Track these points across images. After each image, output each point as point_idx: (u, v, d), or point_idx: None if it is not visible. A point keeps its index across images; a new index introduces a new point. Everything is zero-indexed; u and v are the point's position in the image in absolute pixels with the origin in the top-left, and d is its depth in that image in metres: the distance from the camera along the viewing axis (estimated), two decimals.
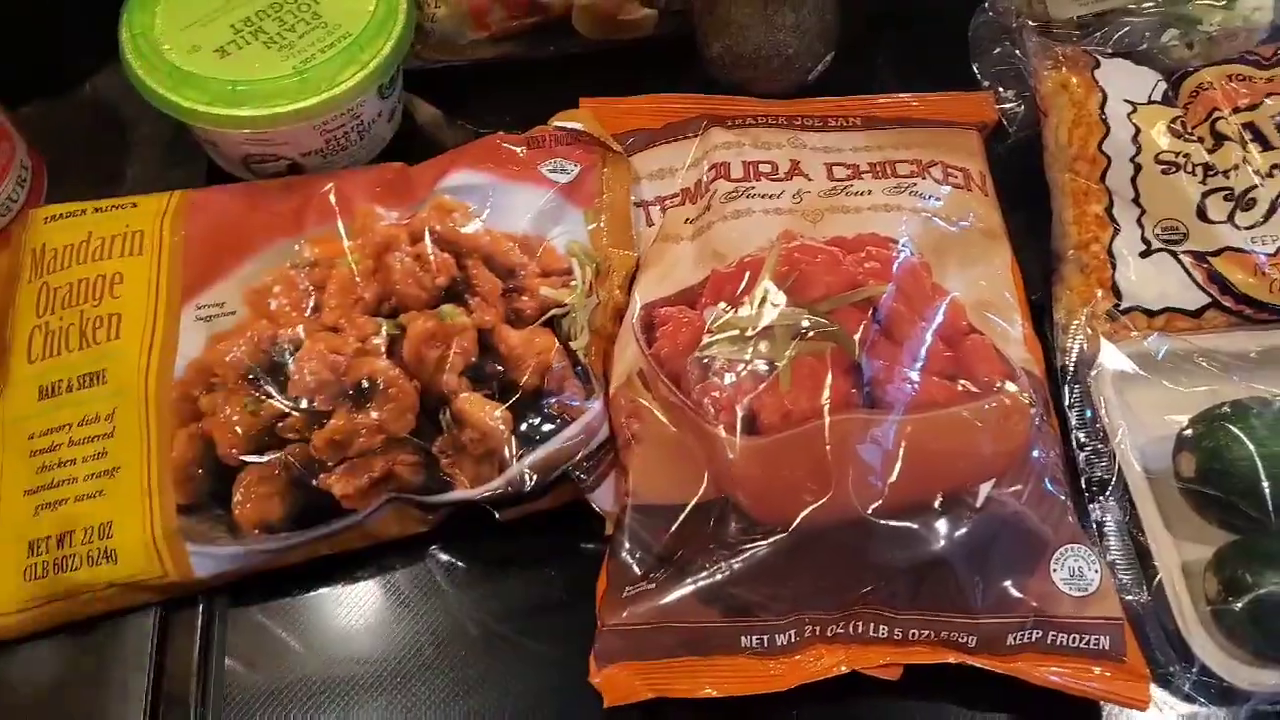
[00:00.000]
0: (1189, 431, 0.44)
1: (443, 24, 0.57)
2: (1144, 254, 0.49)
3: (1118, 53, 0.53)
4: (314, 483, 0.43)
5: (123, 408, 0.45)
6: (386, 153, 0.57)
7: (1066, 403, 0.47)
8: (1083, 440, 0.46)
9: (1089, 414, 0.47)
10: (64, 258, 0.49)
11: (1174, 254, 0.49)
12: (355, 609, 0.45)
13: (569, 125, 0.52)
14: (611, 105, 0.55)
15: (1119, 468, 0.45)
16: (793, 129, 0.53)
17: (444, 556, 0.46)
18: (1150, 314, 0.48)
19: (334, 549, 0.45)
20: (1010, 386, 0.45)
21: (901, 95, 0.56)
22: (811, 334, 0.44)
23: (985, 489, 0.41)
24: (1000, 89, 0.56)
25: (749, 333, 0.45)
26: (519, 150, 0.52)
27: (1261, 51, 0.53)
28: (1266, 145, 0.50)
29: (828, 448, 0.42)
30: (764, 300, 0.46)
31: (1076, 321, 0.49)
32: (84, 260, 0.49)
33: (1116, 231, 0.49)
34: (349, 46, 0.50)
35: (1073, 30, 0.55)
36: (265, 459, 0.43)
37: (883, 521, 0.41)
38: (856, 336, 0.44)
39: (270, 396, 0.45)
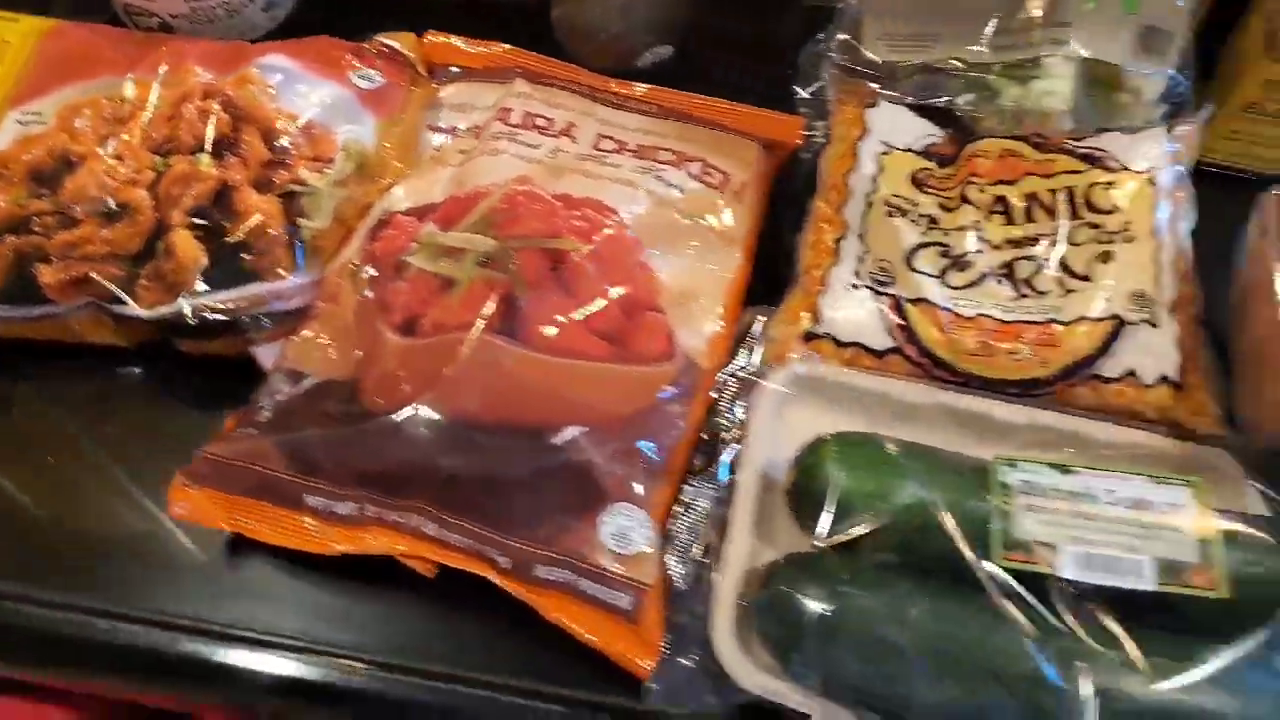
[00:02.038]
0: (800, 448, 0.45)
1: None
2: (852, 287, 0.50)
3: (920, 102, 0.55)
4: (30, 269, 0.49)
5: None
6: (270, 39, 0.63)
7: (725, 398, 0.49)
8: (722, 433, 0.48)
9: (738, 414, 0.48)
10: None
11: (877, 294, 0.50)
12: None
13: (391, 43, 0.57)
14: (454, 41, 0.60)
15: (742, 464, 0.46)
16: (592, 100, 0.57)
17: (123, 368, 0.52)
18: (839, 344, 0.49)
19: (41, 335, 0.50)
20: (657, 367, 0.47)
21: (720, 101, 0.58)
22: (491, 263, 0.48)
23: (571, 432, 0.44)
24: (815, 117, 0.58)
25: (445, 249, 0.49)
26: (343, 55, 0.57)
27: (1048, 135, 0.53)
28: (1010, 220, 0.51)
29: (453, 359, 0.45)
30: (472, 226, 0.49)
31: (773, 334, 0.50)
32: None
33: (837, 262, 0.51)
34: None
35: (890, 75, 0.56)
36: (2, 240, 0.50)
37: (462, 430, 0.43)
38: (528, 277, 0.47)
39: (42, 196, 0.51)
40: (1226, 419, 0.48)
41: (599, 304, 0.48)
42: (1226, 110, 0.55)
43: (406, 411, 0.44)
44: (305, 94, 0.55)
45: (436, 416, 0.44)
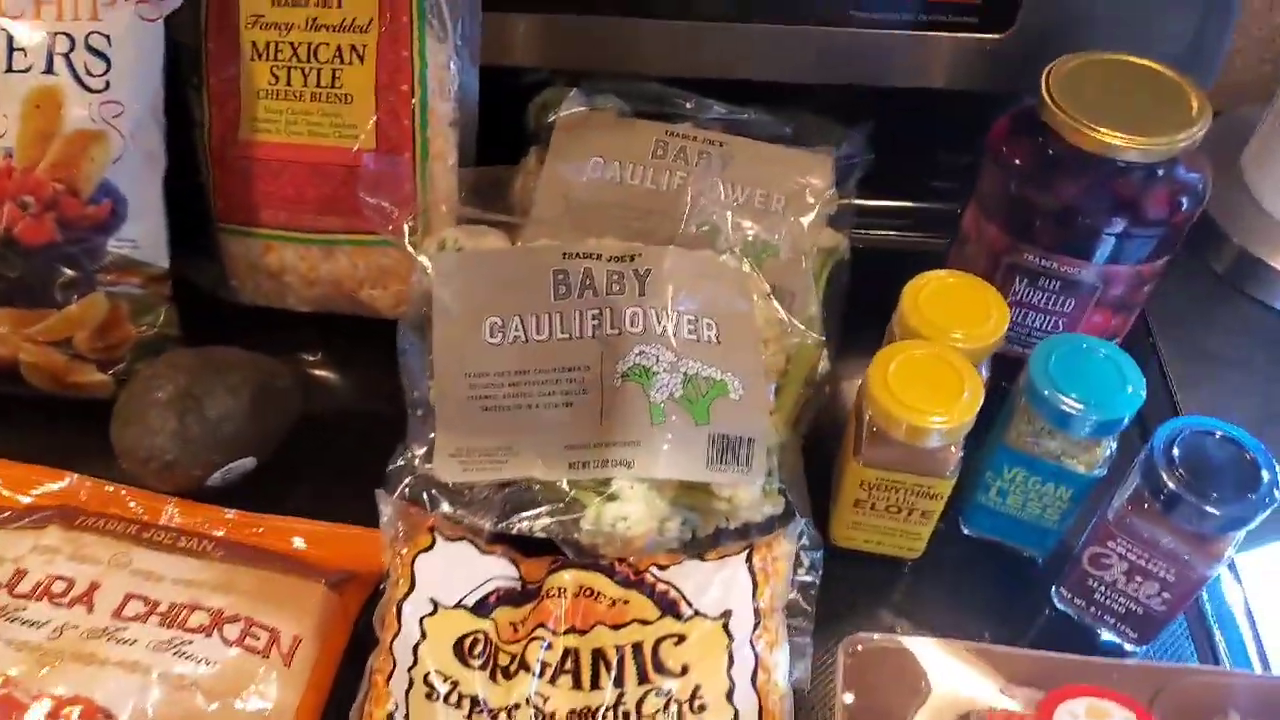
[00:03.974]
0: None
1: None
2: None
3: (495, 532, 0.49)
4: None
5: None
6: None
7: None
8: None
9: None
10: None
11: None
12: None
13: None
14: (13, 470, 0.53)
15: None
16: (136, 543, 0.49)
17: None
18: None
19: None
20: None
21: (293, 521, 0.52)
22: None
23: None
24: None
25: None
26: None
27: (636, 564, 0.47)
28: (576, 683, 0.43)
29: None
30: None
31: None
32: None
33: None
34: None
35: (470, 497, 0.50)
36: None
37: None
38: None
39: None
40: None
41: None
42: (841, 507, 0.51)
43: None
44: None
45: None
